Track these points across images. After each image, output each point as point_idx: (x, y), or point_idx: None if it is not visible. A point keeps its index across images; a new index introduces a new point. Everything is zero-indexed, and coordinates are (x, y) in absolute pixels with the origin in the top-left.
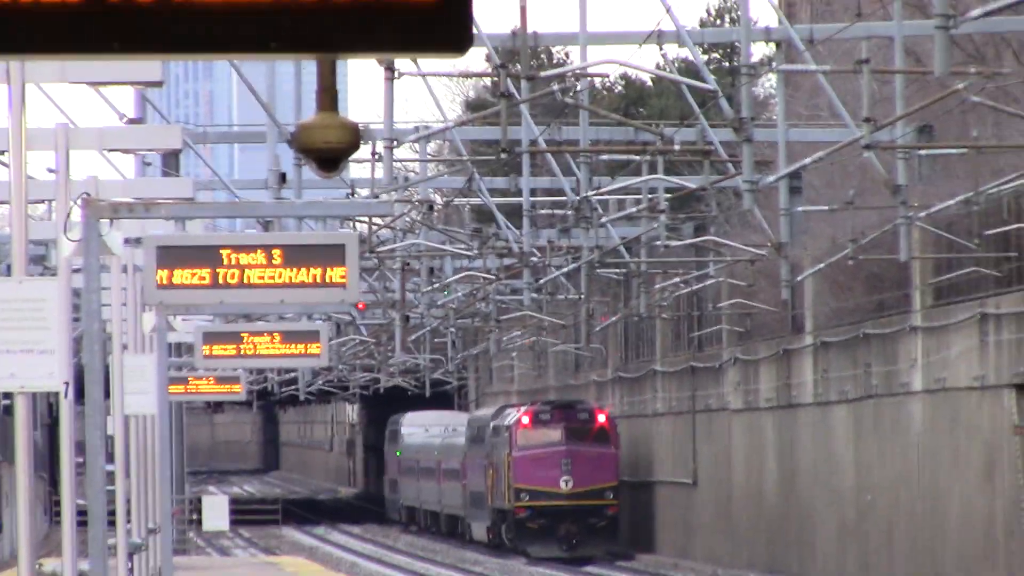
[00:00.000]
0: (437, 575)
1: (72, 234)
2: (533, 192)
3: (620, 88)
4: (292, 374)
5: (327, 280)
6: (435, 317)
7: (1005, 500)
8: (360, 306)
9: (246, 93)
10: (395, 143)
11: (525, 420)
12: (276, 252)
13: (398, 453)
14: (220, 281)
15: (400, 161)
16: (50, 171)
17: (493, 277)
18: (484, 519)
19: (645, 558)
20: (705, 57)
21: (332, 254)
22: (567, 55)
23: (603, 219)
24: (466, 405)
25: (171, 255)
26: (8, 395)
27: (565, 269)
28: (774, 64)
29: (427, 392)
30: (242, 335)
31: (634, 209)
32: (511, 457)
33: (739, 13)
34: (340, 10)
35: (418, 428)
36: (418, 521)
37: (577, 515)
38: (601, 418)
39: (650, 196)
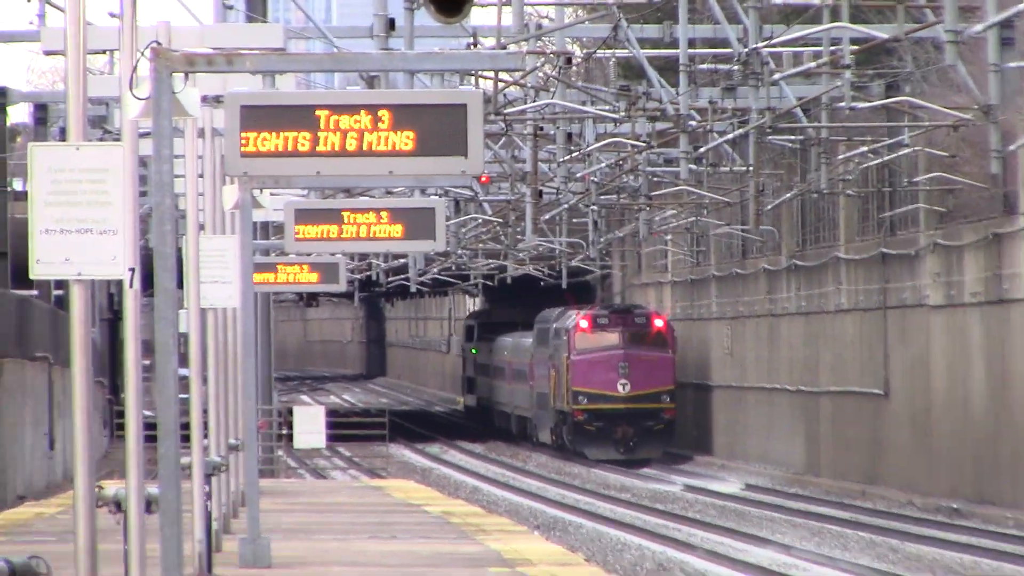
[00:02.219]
0: (577, 502)
1: (139, 91)
2: (692, 43)
3: None
4: (402, 260)
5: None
6: (573, 193)
7: None
8: (484, 179)
9: None
10: None
11: (584, 324)
12: (384, 113)
13: (474, 351)
14: (316, 148)
15: (533, 5)
16: (112, 16)
17: (643, 145)
18: (548, 421)
19: (817, 480)
20: None
21: (451, 116)
22: None
23: (776, 76)
24: (610, 298)
25: (257, 117)
26: (61, 284)
27: (730, 136)
28: None
29: (563, 282)
30: (342, 213)
31: (813, 64)
32: (570, 360)
33: None
34: None
35: (493, 325)
36: (489, 420)
37: (634, 418)
38: (659, 323)
39: (832, 49)
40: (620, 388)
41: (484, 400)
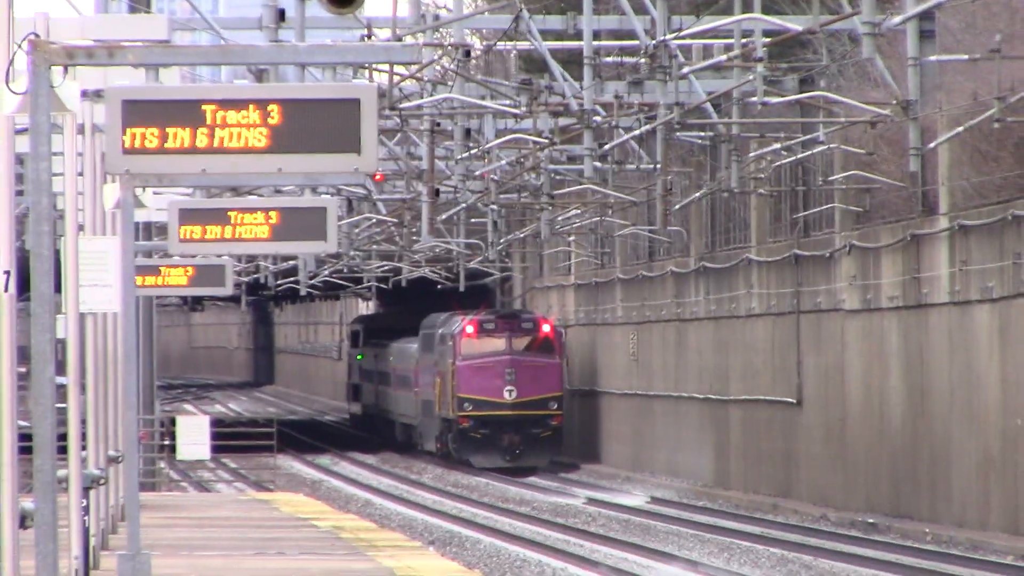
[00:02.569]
0: (475, 516)
1: (16, 85)
2: (597, 35)
3: None
4: (292, 263)
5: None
6: (472, 192)
7: None
8: (378, 177)
9: None
10: None
11: (469, 329)
12: (273, 109)
13: (359, 357)
14: (202, 145)
15: None
16: None
17: (545, 141)
18: (433, 429)
19: (728, 495)
20: None
21: (344, 111)
22: None
23: (685, 69)
24: (511, 303)
25: (140, 112)
26: None
27: (636, 132)
28: None
29: (461, 285)
30: (229, 214)
31: (724, 57)
32: (455, 366)
33: None
34: None
35: (378, 331)
36: (375, 429)
37: (520, 425)
38: (546, 328)
39: (744, 41)
40: (506, 395)
41: (370, 407)
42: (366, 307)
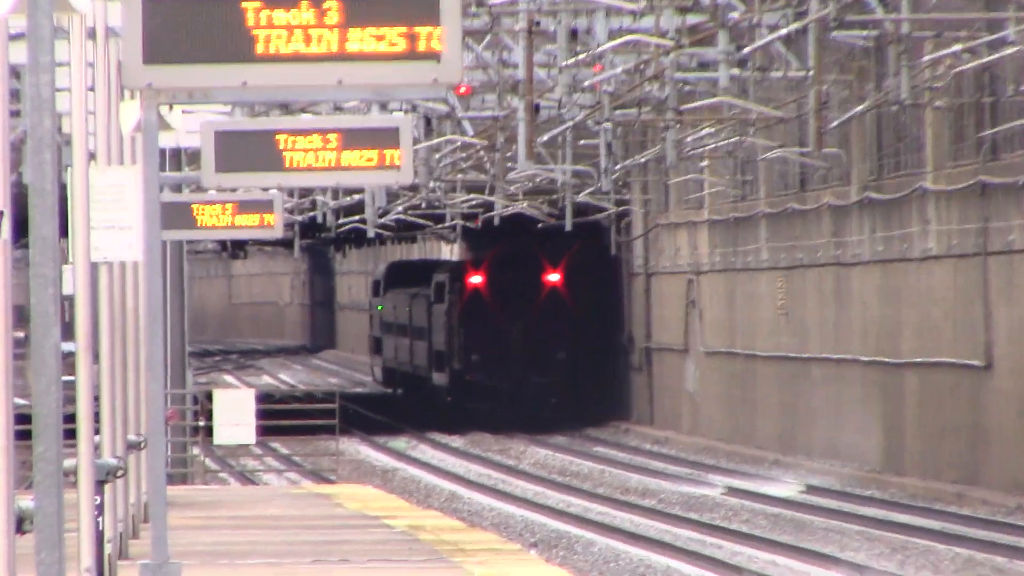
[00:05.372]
0: (587, 511)
1: None
2: None
3: None
4: (357, 197)
5: (410, 49)
6: (580, 107)
7: None
8: (463, 90)
9: None
10: None
11: (476, 279)
12: (332, 5)
13: (379, 308)
14: (243, 51)
15: None
16: None
17: (671, 44)
18: (445, 381)
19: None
20: None
21: (420, 8)
22: None
23: None
24: (629, 244)
25: (165, 12)
26: None
27: (784, 31)
28: None
29: (568, 223)
30: (277, 137)
31: None
32: (460, 317)
33: None
34: None
35: (398, 279)
36: (395, 384)
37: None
38: (554, 277)
39: None
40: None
41: (389, 361)
42: (449, 251)
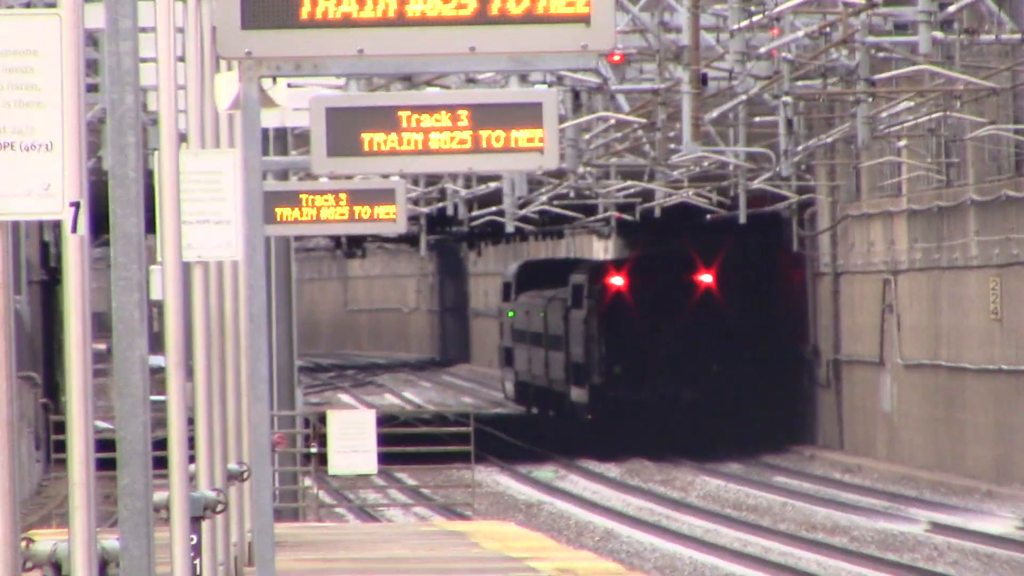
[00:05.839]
0: (767, 552)
1: None
2: None
3: None
4: (494, 186)
5: (555, 11)
6: (756, 78)
7: None
8: (617, 58)
9: None
10: None
11: (617, 281)
12: None
13: (510, 315)
14: (358, 14)
15: None
16: None
17: (863, 2)
18: (584, 398)
19: None
20: None
21: None
22: None
23: None
24: (813, 239)
25: None
26: None
27: None
28: None
29: (741, 215)
30: (399, 114)
31: None
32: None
33: None
34: None
35: (532, 280)
36: (528, 400)
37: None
38: (707, 278)
39: None
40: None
41: (523, 375)
42: (604, 247)
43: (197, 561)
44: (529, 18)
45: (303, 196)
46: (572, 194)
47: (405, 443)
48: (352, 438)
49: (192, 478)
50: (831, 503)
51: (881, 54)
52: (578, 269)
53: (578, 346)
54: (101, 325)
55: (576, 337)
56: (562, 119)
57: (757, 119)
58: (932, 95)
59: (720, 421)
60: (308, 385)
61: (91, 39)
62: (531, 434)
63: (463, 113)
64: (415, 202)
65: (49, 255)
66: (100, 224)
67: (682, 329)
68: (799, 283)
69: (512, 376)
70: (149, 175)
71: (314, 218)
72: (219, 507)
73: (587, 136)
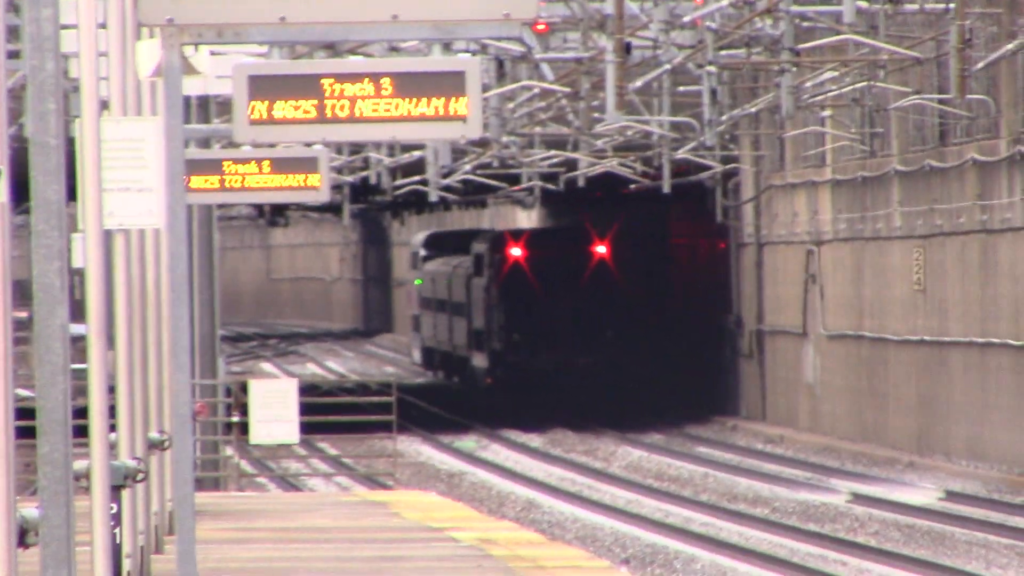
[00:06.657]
0: (688, 522)
1: None
2: None
3: None
4: (417, 155)
5: None
6: (680, 47)
7: None
8: (541, 26)
9: None
10: None
11: (516, 251)
12: None
13: (417, 282)
14: None
15: None
16: None
17: None
18: (484, 363)
19: None
20: None
21: None
22: None
23: None
24: (737, 210)
25: None
26: None
27: None
28: None
29: (665, 184)
30: (322, 82)
31: None
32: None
33: None
34: None
35: (438, 249)
36: (434, 366)
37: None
38: (601, 249)
39: None
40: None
41: (428, 340)
42: (527, 218)
43: (117, 530)
44: None
45: (225, 164)
46: (496, 163)
47: (327, 413)
48: (274, 407)
49: (113, 447)
50: (753, 474)
51: (805, 24)
52: (479, 239)
53: (479, 314)
54: (22, 293)
55: (477, 305)
56: (486, 88)
57: (681, 88)
58: (856, 65)
59: (640, 391)
60: (230, 354)
61: (12, 5)
62: (453, 405)
63: (386, 81)
64: (339, 171)
65: None
66: (21, 191)
67: (577, 298)
68: (719, 253)
69: (419, 342)
70: (70, 142)
71: (237, 186)
72: (140, 476)
73: (511, 105)
